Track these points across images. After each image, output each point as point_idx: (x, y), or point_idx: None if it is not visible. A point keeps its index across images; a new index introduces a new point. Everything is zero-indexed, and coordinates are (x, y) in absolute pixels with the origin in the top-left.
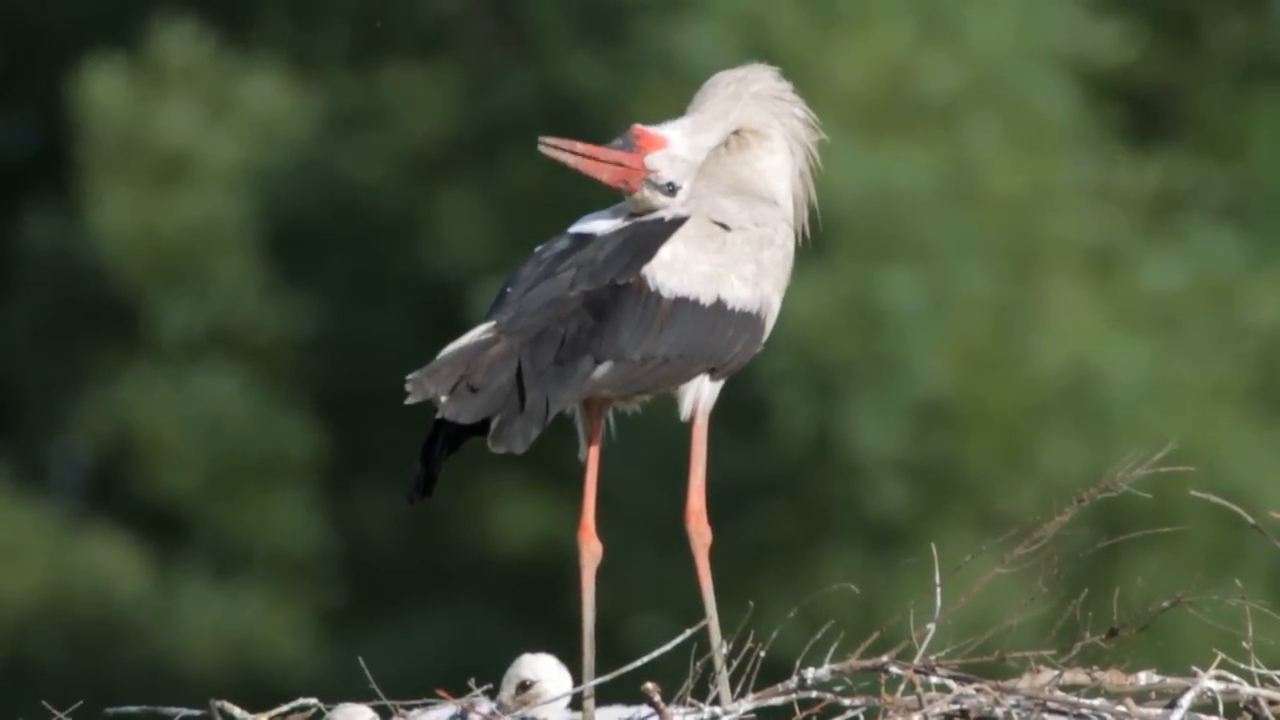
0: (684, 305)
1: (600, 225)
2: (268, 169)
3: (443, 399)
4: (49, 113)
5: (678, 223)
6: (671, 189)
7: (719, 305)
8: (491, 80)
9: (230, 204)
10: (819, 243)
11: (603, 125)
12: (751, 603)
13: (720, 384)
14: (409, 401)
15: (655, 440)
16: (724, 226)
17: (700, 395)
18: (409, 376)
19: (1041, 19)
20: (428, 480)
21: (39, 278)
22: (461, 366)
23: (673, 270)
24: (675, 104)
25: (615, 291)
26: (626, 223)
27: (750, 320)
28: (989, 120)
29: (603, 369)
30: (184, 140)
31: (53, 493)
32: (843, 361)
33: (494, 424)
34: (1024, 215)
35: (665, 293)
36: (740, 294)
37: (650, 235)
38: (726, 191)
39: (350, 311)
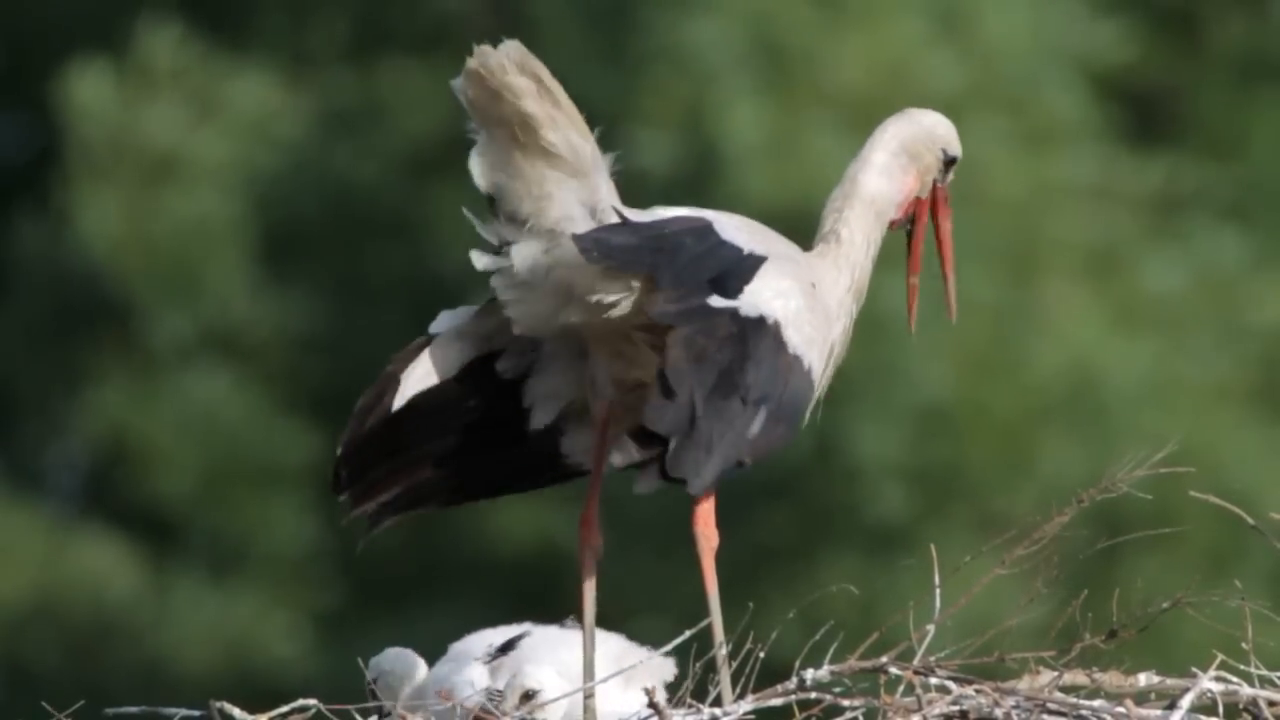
0: (798, 364)
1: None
2: (260, 169)
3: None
4: (37, 117)
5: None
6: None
7: (808, 376)
8: None
9: (222, 205)
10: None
11: (606, 122)
12: (751, 604)
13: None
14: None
15: None
16: (826, 314)
17: None
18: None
19: (1045, 17)
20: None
21: (30, 282)
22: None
23: (793, 325)
24: (681, 100)
25: (759, 328)
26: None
27: (798, 409)
28: (991, 120)
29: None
30: (173, 141)
31: (47, 495)
32: (844, 366)
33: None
34: (1024, 217)
35: (790, 347)
36: (815, 375)
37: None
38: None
39: (346, 312)
